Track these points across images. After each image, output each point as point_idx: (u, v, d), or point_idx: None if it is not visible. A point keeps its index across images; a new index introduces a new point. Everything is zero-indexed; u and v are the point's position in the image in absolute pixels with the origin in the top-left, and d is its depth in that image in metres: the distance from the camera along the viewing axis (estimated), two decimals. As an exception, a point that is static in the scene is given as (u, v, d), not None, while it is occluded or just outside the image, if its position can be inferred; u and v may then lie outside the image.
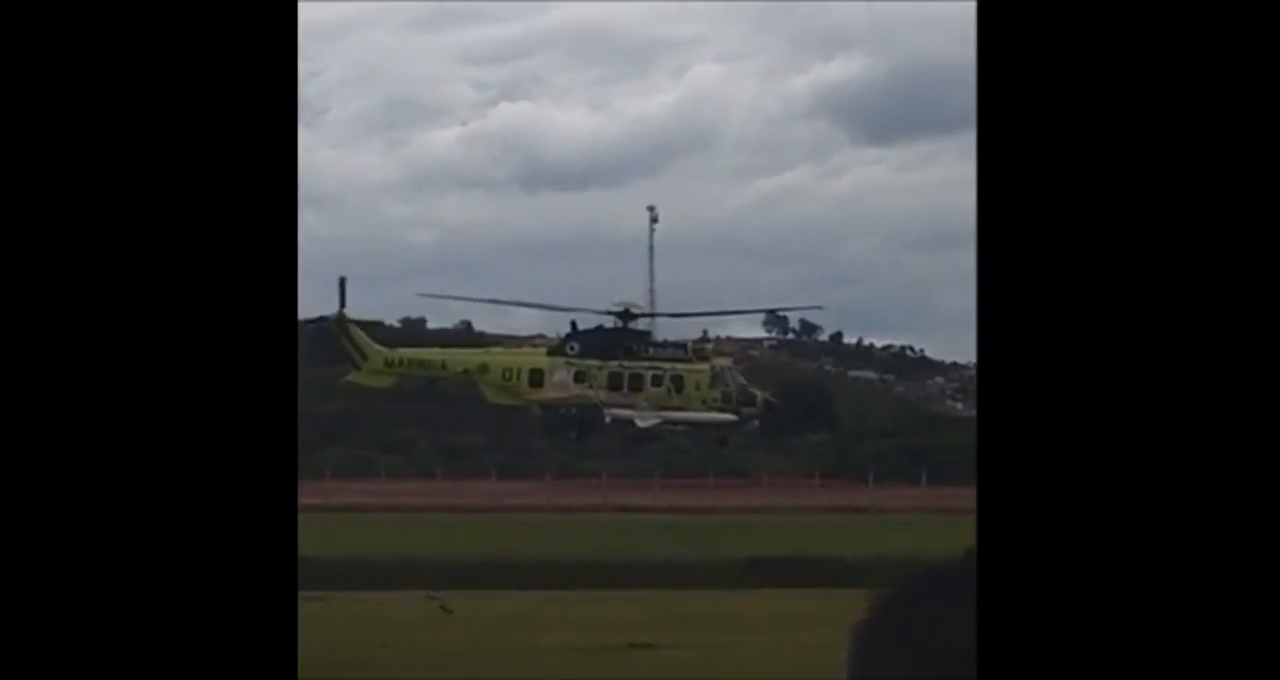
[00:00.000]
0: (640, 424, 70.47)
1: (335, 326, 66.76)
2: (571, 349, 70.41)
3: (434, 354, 71.55)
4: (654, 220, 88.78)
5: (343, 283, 67.45)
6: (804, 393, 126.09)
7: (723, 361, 73.41)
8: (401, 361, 69.86)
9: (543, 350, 72.22)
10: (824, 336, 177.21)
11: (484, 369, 69.81)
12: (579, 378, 69.10)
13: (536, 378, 69.43)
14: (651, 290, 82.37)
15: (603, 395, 68.50)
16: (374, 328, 70.72)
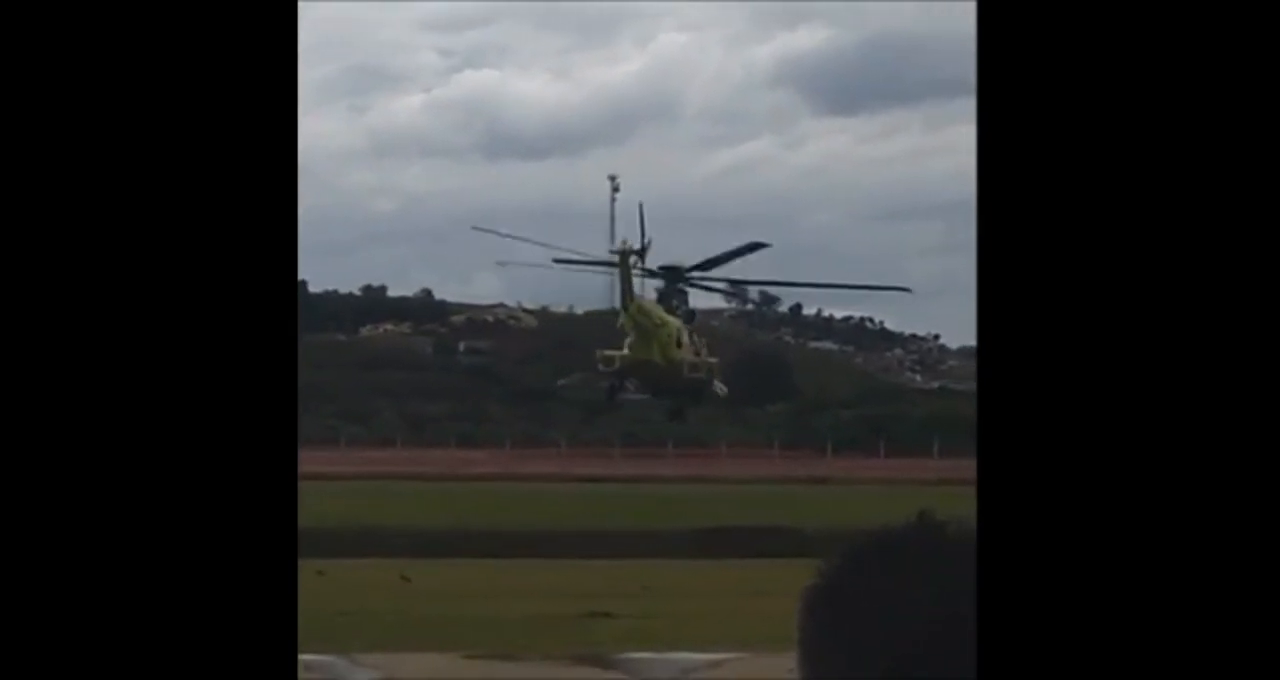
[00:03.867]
0: (719, 392, 67.79)
1: (622, 263, 59.34)
2: (676, 307, 65.02)
3: (653, 306, 64.81)
4: (615, 189, 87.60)
5: (640, 208, 60.26)
6: (763, 364, 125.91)
7: None
8: (640, 310, 63.72)
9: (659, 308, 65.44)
10: (784, 307, 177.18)
11: (663, 324, 64.26)
12: (690, 339, 64.61)
13: (679, 338, 64.16)
14: (613, 259, 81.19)
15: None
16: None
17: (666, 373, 63.45)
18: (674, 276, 64.99)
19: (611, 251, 60.00)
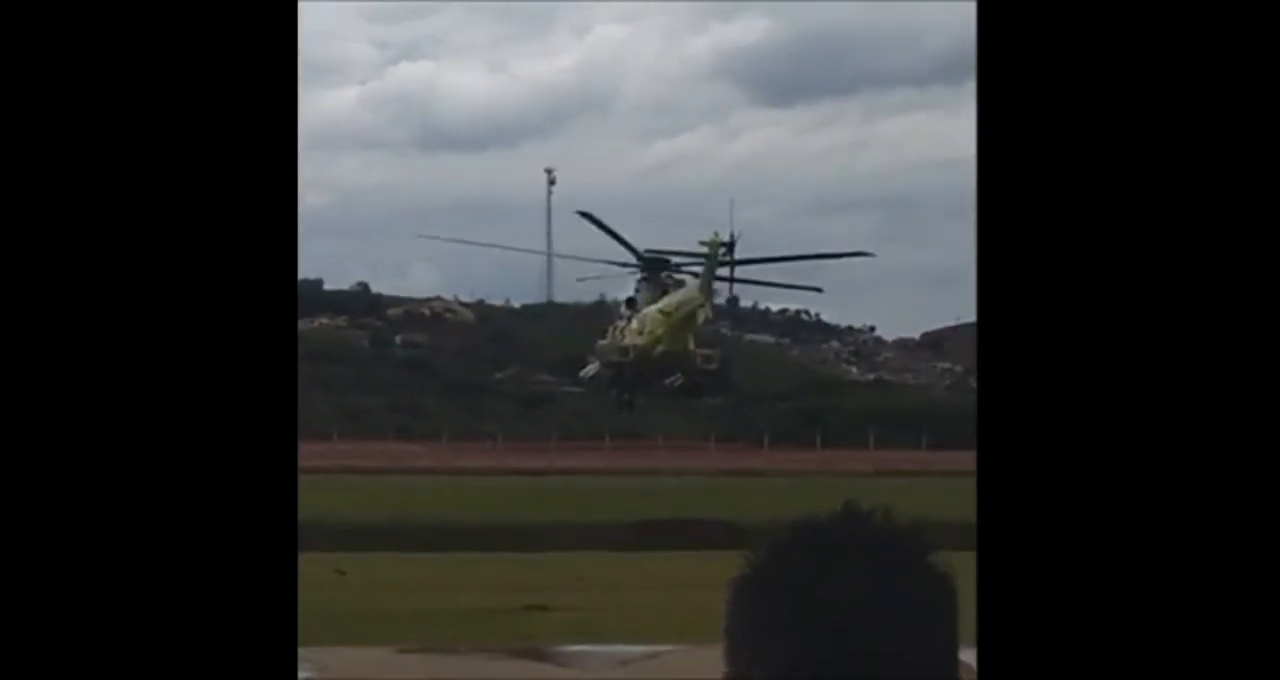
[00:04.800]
0: (672, 386, 67.42)
1: (711, 254, 58.41)
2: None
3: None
4: (552, 182, 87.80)
5: (731, 205, 58.93)
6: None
7: None
8: (685, 301, 62.70)
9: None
10: (720, 300, 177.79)
11: (696, 317, 63.08)
12: None
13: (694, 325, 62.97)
14: (549, 253, 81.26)
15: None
16: None
17: (686, 362, 62.01)
18: (659, 266, 63.86)
19: (701, 243, 59.34)
